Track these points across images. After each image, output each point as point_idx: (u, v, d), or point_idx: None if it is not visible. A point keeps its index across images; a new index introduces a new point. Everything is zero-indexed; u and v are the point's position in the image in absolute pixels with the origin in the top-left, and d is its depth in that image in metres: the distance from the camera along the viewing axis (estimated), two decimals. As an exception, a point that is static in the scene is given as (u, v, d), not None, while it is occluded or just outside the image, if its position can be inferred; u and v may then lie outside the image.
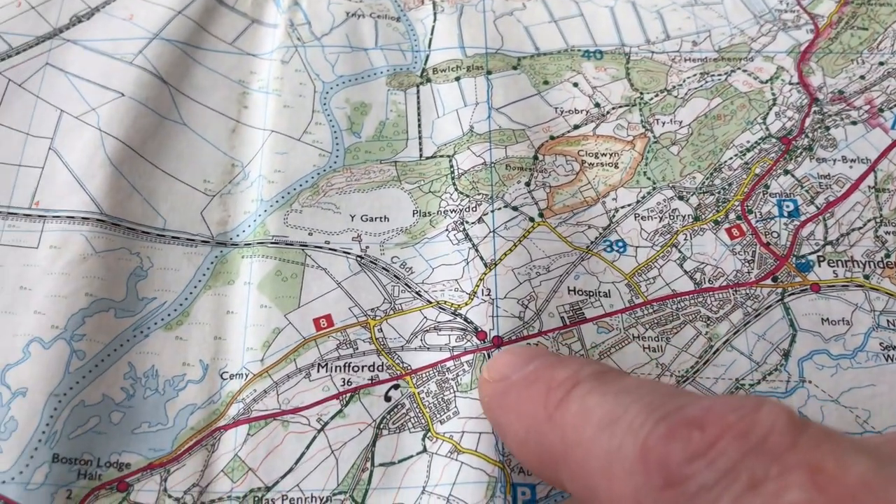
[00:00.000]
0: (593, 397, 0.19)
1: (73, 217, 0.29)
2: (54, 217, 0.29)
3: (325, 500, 0.26)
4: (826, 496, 0.13)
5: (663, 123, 0.32)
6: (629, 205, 0.30)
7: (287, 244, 0.29)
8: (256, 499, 0.25)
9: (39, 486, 0.25)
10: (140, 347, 0.27)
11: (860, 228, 0.29)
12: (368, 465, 0.26)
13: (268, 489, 0.26)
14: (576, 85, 0.33)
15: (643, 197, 0.30)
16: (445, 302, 0.28)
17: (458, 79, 0.32)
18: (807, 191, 0.30)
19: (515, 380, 0.22)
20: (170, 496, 0.26)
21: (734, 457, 0.15)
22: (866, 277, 0.29)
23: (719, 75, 0.33)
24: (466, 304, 0.28)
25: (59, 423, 0.26)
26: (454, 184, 0.30)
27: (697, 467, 0.15)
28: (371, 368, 0.27)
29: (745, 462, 0.15)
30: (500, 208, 0.30)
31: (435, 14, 0.34)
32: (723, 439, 0.15)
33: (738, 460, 0.15)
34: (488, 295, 0.28)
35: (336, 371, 0.27)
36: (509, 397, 0.22)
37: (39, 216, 0.29)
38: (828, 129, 0.31)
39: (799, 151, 0.31)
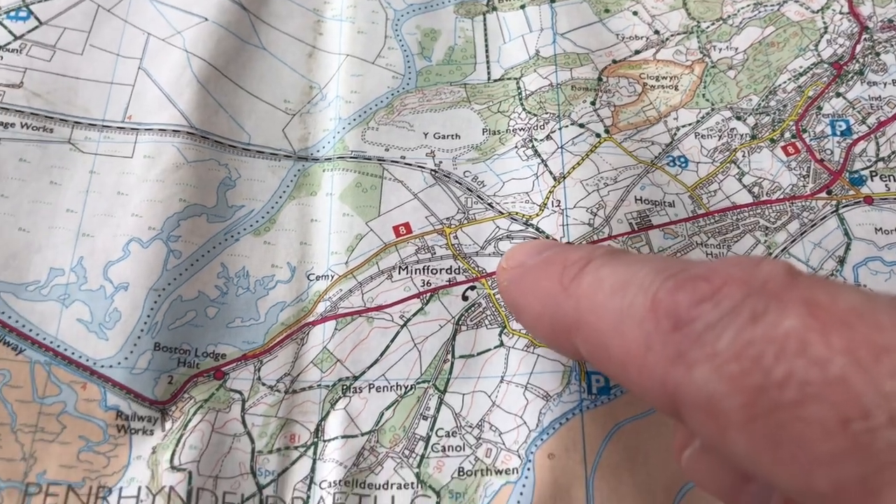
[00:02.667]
0: (606, 268, 0.19)
1: (164, 130, 0.30)
2: (147, 130, 0.30)
3: (409, 388, 0.27)
4: (819, 321, 0.14)
5: (720, 50, 0.33)
6: (689, 124, 0.31)
7: (365, 158, 0.30)
8: (345, 387, 0.27)
9: (143, 371, 0.26)
10: (231, 250, 0.29)
11: (910, 146, 0.30)
12: (449, 356, 0.27)
13: (355, 378, 0.27)
14: (635, 13, 0.33)
15: (702, 117, 0.31)
16: (517, 213, 0.29)
17: (522, 7, 0.33)
18: (858, 111, 0.31)
19: (532, 264, 0.22)
20: (263, 384, 0.27)
21: (737, 298, 0.15)
22: (917, 191, 0.30)
23: (772, 5, 0.33)
24: (537, 216, 0.29)
25: (159, 315, 0.27)
26: (522, 104, 0.31)
27: (704, 309, 0.16)
28: (448, 271, 0.29)
29: (747, 301, 0.15)
30: (567, 126, 0.31)
31: (499, -52, 0.35)
32: (727, 286, 0.16)
33: (741, 300, 0.15)
34: (558, 206, 0.29)
35: (416, 273, 0.28)
36: (526, 279, 0.22)
37: (132, 129, 0.30)
38: (878, 54, 0.32)
39: (850, 76, 0.32)
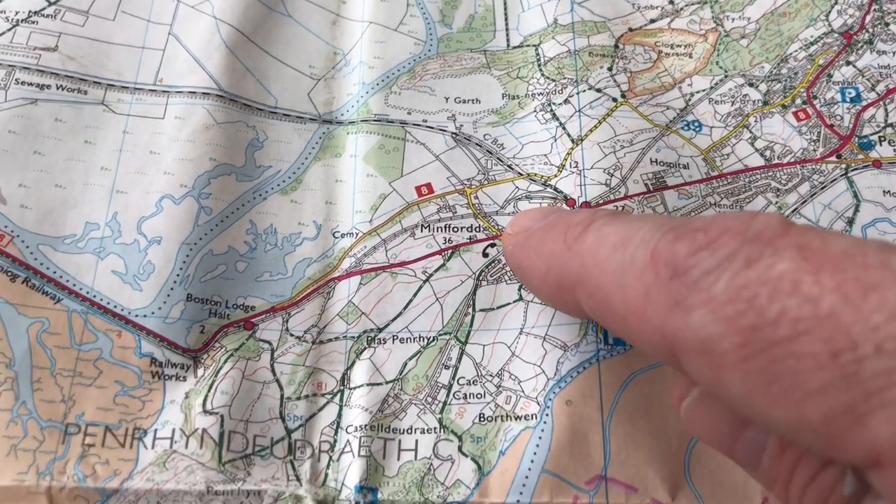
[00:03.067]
0: (609, 227, 0.20)
1: (194, 92, 0.30)
2: (177, 92, 0.31)
3: (431, 339, 0.27)
4: (811, 263, 0.15)
5: (733, 19, 0.33)
6: (703, 90, 0.32)
7: (388, 122, 0.31)
8: (369, 338, 0.27)
9: (176, 321, 0.27)
10: (259, 208, 0.29)
11: (918, 113, 0.31)
12: (470, 310, 0.28)
13: (380, 330, 0.28)
14: (651, -16, 0.34)
15: (716, 84, 0.32)
16: (536, 174, 0.30)
17: (541, -23, 0.34)
18: (868, 79, 0.32)
19: (536, 228, 0.23)
20: (291, 335, 0.27)
21: (733, 246, 0.16)
22: (924, 155, 0.30)
23: (784, -23, 0.34)
24: (555, 176, 0.30)
25: (191, 267, 0.27)
26: (540, 70, 0.32)
27: (701, 257, 0.16)
28: (469, 229, 0.29)
29: (742, 248, 0.16)
30: (584, 90, 0.31)
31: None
32: (724, 236, 0.16)
33: (737, 248, 0.16)
34: (576, 167, 0.30)
35: (438, 231, 0.29)
36: (531, 242, 0.23)
37: (164, 91, 0.31)
38: (887, 24, 0.33)
39: (860, 45, 0.32)
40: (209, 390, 0.26)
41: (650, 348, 0.18)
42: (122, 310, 0.27)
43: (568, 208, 0.28)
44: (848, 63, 0.32)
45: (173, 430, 0.25)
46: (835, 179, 0.30)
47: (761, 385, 0.15)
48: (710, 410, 0.19)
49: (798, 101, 0.31)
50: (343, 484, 0.25)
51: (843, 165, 0.30)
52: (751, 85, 0.32)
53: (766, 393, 0.15)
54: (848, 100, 0.31)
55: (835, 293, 0.14)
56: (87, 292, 0.27)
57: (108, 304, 0.27)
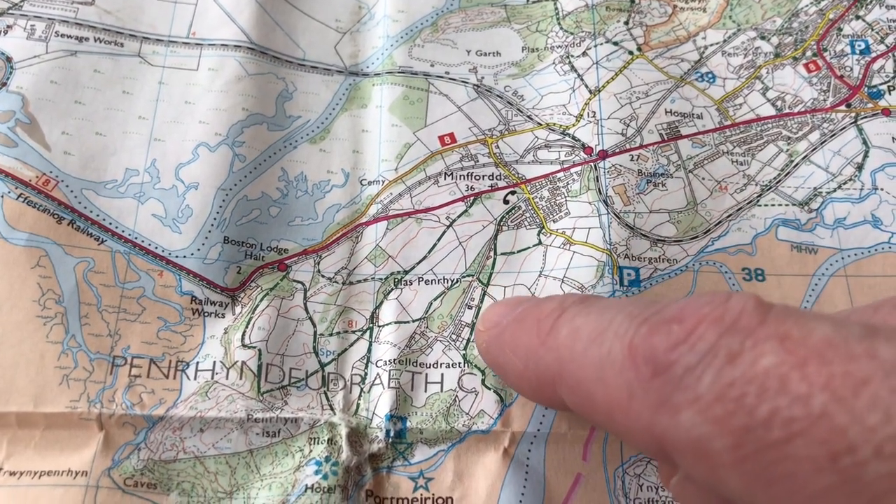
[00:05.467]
0: (580, 318, 0.19)
1: (226, 45, 0.30)
2: (210, 45, 0.31)
3: (455, 281, 0.28)
4: (795, 356, 0.14)
5: (747, -26, 0.33)
6: (717, 43, 0.32)
7: (412, 73, 0.31)
8: (396, 280, 0.28)
9: (214, 262, 0.27)
10: (290, 156, 0.30)
11: (926, 64, 0.31)
12: (491, 254, 0.28)
13: (406, 272, 0.28)
14: (667, -60, 0.34)
15: (729, 37, 0.32)
16: (554, 124, 0.30)
17: (559, -67, 0.34)
18: (877, 32, 0.31)
19: (507, 323, 0.22)
20: (323, 276, 0.28)
21: (712, 339, 0.15)
22: (931, 105, 0.30)
23: (797, -67, 0.34)
24: (574, 126, 0.30)
25: (227, 212, 0.28)
26: (559, 23, 0.32)
27: (680, 352, 0.15)
28: (490, 177, 0.29)
29: (722, 341, 0.15)
30: (601, 43, 0.31)
31: None
32: (700, 326, 0.16)
33: (716, 341, 0.15)
34: (593, 116, 0.30)
35: (460, 179, 0.29)
36: (504, 338, 0.22)
37: (197, 44, 0.31)
38: (898, -22, 0.32)
39: (869, 0, 0.32)
40: (247, 326, 0.26)
41: (638, 443, 0.17)
42: (163, 251, 0.27)
43: (535, 297, 0.25)
44: (857, 17, 0.32)
45: (214, 363, 0.26)
46: (844, 127, 0.30)
47: (760, 485, 0.14)
48: (698, 489, 0.19)
49: (808, 53, 0.31)
50: (374, 413, 0.26)
51: (853, 114, 0.30)
52: (763, 38, 0.32)
53: (766, 493, 0.14)
54: (857, 52, 0.31)
55: (825, 391, 0.14)
56: (129, 234, 0.27)
57: (150, 245, 0.27)
